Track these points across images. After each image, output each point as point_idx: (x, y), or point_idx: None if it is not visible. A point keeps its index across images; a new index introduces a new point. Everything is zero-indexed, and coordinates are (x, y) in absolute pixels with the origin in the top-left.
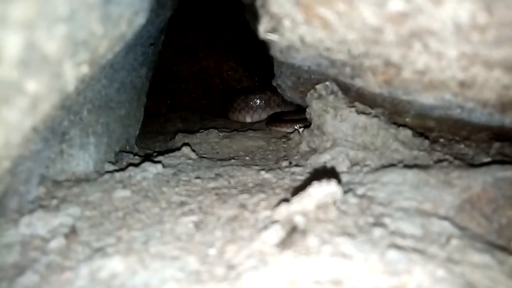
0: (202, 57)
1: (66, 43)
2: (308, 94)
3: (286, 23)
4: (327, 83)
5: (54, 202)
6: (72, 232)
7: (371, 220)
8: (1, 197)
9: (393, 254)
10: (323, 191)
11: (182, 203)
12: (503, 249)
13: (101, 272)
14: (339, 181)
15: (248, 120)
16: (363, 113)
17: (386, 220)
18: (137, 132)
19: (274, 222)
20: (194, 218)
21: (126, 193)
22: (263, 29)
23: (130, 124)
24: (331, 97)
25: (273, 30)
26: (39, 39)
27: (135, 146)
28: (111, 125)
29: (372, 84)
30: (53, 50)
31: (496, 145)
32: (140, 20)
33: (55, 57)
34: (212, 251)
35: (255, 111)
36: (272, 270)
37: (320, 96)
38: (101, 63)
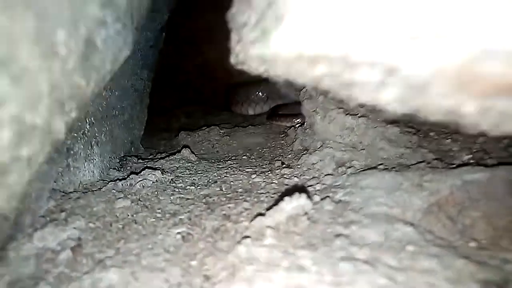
0: (205, 50)
1: (53, 108)
2: (301, 93)
3: None
4: None
5: (63, 215)
6: (77, 246)
7: (339, 228)
8: (17, 216)
9: (343, 265)
10: (293, 205)
11: (175, 213)
12: (456, 250)
13: (101, 283)
14: (308, 195)
15: (251, 112)
16: (350, 114)
17: (353, 228)
18: (142, 132)
19: (246, 237)
20: (183, 229)
21: (127, 202)
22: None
23: (134, 127)
24: (320, 98)
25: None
26: (28, 118)
27: (140, 146)
28: (114, 131)
29: None
30: (41, 120)
31: (481, 139)
32: (125, 53)
33: (44, 123)
34: (194, 263)
35: (257, 104)
36: (237, 283)
37: (310, 97)
38: (91, 100)
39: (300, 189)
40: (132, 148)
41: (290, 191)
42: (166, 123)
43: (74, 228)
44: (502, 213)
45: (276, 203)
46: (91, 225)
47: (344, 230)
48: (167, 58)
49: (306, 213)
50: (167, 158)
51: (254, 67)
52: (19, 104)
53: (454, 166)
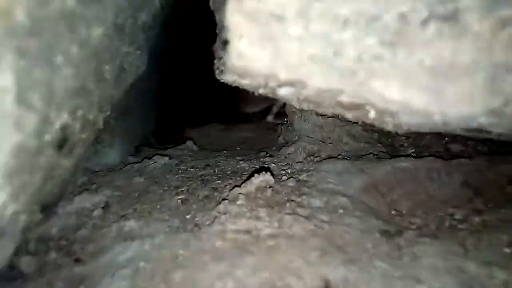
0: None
1: (98, 109)
2: None
3: None
4: None
5: (94, 186)
6: (106, 206)
7: (293, 197)
8: (63, 187)
9: (287, 217)
10: (260, 179)
11: (177, 187)
12: (377, 215)
13: (124, 228)
14: (272, 173)
15: (252, 110)
16: (321, 115)
17: (303, 197)
18: (153, 127)
19: (224, 199)
20: (182, 196)
21: (141, 179)
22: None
23: (147, 122)
24: None
25: None
26: (87, 116)
27: (152, 138)
28: (131, 125)
29: None
30: (92, 116)
31: (428, 137)
32: (142, 68)
33: (93, 118)
34: (188, 216)
35: (256, 102)
36: (215, 226)
37: None
38: (118, 102)
39: (266, 169)
40: (145, 140)
41: (259, 170)
42: (175, 119)
43: (103, 195)
44: (420, 191)
45: (249, 178)
46: (115, 193)
47: (296, 198)
48: (179, 62)
49: (271, 186)
50: (174, 147)
51: (229, 83)
52: (85, 108)
53: (395, 157)
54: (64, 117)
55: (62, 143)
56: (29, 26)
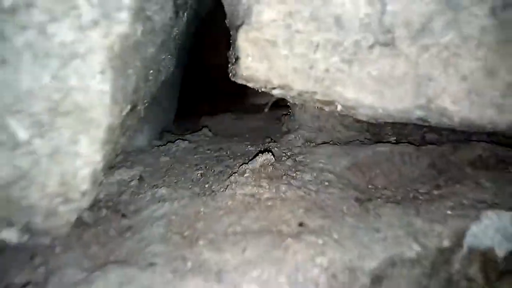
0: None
1: (142, 101)
2: None
3: None
4: None
5: (128, 163)
6: (140, 178)
7: (289, 173)
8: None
9: (283, 186)
10: (263, 158)
11: (197, 164)
12: (355, 187)
13: (156, 194)
14: (273, 154)
15: (260, 102)
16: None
17: (297, 173)
18: (174, 116)
19: (234, 173)
20: (201, 171)
21: (167, 159)
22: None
23: (169, 112)
24: None
25: None
26: (137, 107)
27: (173, 126)
28: (157, 115)
29: None
30: (140, 107)
31: (409, 127)
32: (172, 69)
33: (139, 108)
34: (207, 185)
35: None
36: (227, 192)
37: None
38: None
39: (269, 151)
40: (167, 127)
41: (263, 152)
42: (192, 109)
43: (137, 170)
44: (394, 171)
45: (254, 157)
46: (147, 169)
47: (292, 174)
48: (197, 58)
49: (272, 164)
50: (192, 133)
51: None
52: (136, 102)
53: (377, 143)
54: (127, 108)
55: (123, 126)
56: (118, 53)
